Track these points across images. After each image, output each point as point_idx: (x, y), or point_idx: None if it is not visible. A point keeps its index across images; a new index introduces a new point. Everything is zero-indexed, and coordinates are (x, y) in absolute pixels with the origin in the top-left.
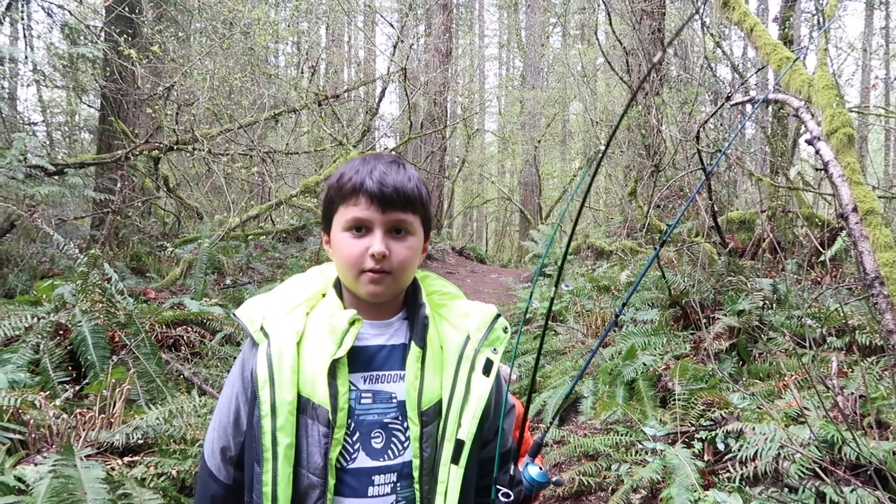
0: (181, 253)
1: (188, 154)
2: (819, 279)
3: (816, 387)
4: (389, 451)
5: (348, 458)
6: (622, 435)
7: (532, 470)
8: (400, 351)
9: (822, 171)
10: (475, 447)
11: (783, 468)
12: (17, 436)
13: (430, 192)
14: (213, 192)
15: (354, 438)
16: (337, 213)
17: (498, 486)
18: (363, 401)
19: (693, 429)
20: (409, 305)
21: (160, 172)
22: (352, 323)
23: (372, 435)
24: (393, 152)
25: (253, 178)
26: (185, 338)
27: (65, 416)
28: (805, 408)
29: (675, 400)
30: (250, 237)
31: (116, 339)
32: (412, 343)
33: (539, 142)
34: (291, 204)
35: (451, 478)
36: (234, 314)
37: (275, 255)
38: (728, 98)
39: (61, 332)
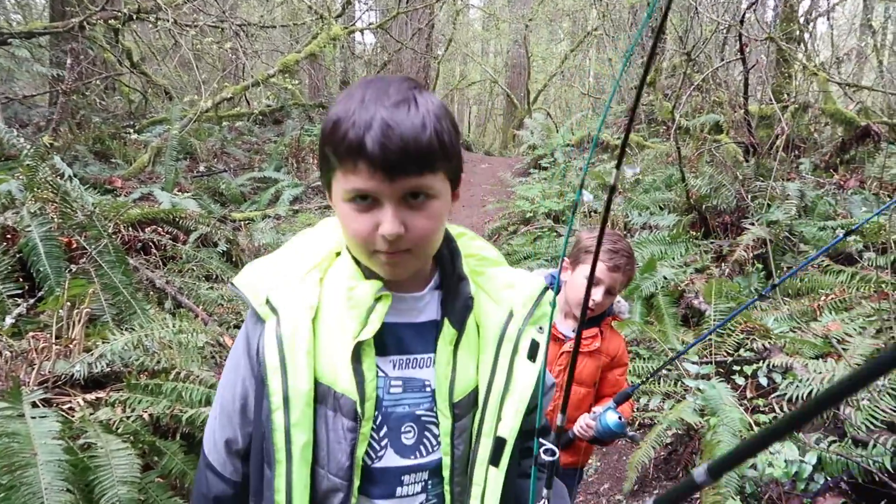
0: (150, 137)
1: (152, 25)
2: (842, 182)
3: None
4: (422, 448)
5: (374, 457)
6: (645, 360)
7: (610, 417)
8: (431, 329)
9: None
10: (518, 446)
11: (844, 415)
12: None
13: (455, 128)
14: (182, 68)
15: (382, 434)
16: (334, 177)
17: (542, 441)
18: (392, 390)
19: (730, 359)
20: (443, 272)
21: (122, 45)
22: (378, 299)
23: (402, 430)
24: (378, 29)
25: (225, 54)
26: (155, 240)
27: (13, 346)
28: (847, 334)
29: (702, 320)
30: (224, 120)
31: (74, 245)
32: (445, 321)
33: (530, 20)
34: (268, 84)
35: (489, 480)
36: (231, 284)
37: (251, 139)
38: None
39: (9, 236)
